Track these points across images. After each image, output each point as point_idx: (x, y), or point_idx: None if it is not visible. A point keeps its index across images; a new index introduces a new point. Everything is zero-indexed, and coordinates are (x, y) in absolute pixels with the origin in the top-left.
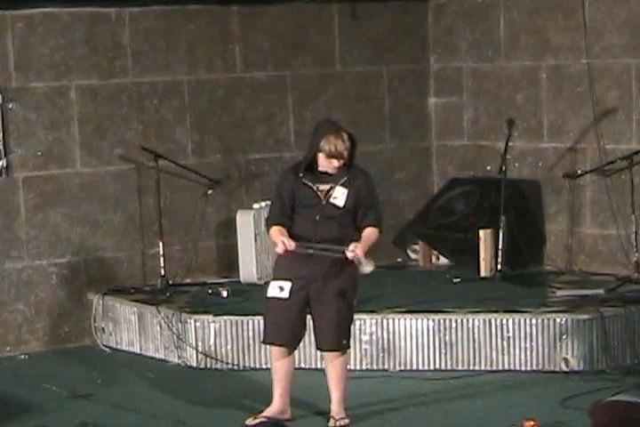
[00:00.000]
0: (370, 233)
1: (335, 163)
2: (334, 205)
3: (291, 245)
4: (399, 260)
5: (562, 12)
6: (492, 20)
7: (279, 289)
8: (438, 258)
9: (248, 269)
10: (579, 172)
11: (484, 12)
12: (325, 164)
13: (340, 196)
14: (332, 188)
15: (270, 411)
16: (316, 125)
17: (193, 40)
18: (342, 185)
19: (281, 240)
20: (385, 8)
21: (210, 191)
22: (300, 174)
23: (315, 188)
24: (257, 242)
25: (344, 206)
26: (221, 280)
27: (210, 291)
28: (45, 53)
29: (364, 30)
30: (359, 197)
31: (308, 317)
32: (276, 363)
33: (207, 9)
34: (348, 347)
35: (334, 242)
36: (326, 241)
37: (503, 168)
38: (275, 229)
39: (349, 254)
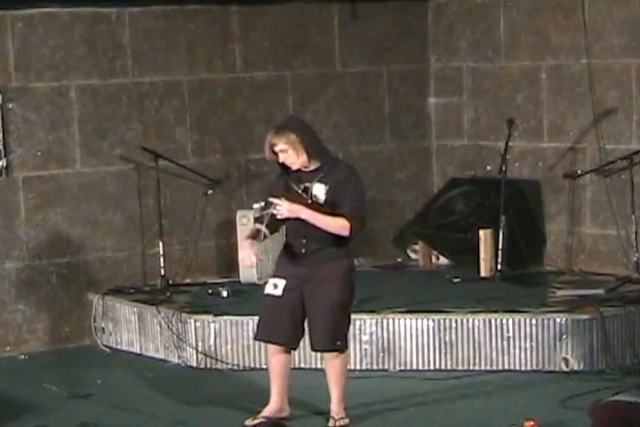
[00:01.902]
0: (334, 218)
1: (281, 158)
2: (317, 203)
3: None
4: (399, 260)
5: (562, 12)
6: (491, 20)
7: (273, 286)
8: (438, 258)
9: (248, 269)
10: (579, 172)
11: (484, 12)
12: (279, 160)
13: (319, 192)
14: (309, 186)
15: (268, 410)
16: None
17: (193, 40)
18: (320, 181)
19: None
20: (385, 8)
21: (210, 191)
22: (286, 176)
23: (298, 188)
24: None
25: (325, 202)
26: (221, 280)
27: (210, 291)
28: (45, 53)
29: (364, 30)
30: (337, 190)
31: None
32: (272, 360)
33: (207, 9)
34: (345, 348)
35: (323, 241)
36: (315, 240)
37: (503, 168)
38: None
39: (276, 209)
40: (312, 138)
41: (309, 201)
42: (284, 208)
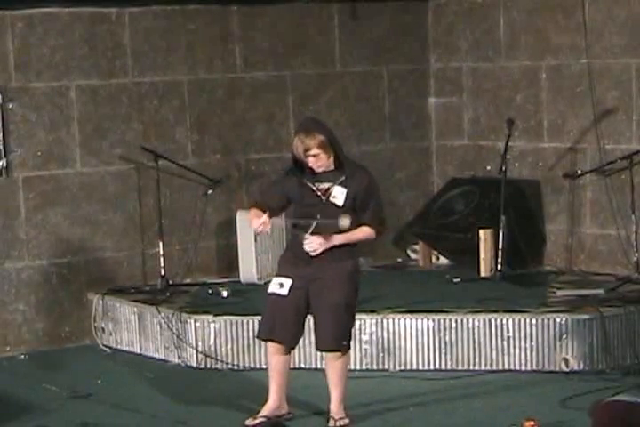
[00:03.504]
0: (359, 230)
1: (311, 161)
2: (334, 205)
3: (265, 222)
4: (399, 260)
5: (562, 12)
6: (492, 20)
7: (279, 286)
8: (438, 258)
9: (248, 269)
10: (579, 172)
11: (484, 12)
12: (308, 163)
13: (339, 195)
14: (330, 187)
15: (267, 409)
16: (299, 124)
17: (193, 40)
18: (341, 184)
19: (254, 219)
20: (385, 8)
21: (210, 191)
22: (300, 174)
23: (314, 187)
24: (257, 242)
25: (343, 206)
26: (221, 280)
27: (210, 291)
28: (45, 53)
29: (364, 30)
30: (358, 197)
31: (309, 316)
32: (271, 359)
33: (207, 9)
34: (349, 348)
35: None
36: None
37: (503, 168)
38: (252, 210)
39: (308, 246)
40: (336, 139)
41: (324, 201)
42: (315, 244)
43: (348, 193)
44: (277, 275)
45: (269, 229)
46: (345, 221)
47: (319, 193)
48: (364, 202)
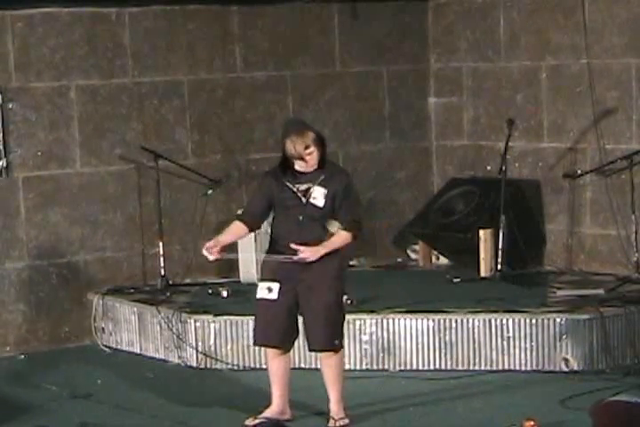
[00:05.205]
0: (337, 237)
1: (301, 163)
2: (314, 206)
3: (212, 251)
4: (399, 260)
5: (562, 12)
6: (492, 20)
7: (267, 290)
8: (438, 258)
9: (248, 269)
10: (579, 172)
11: (484, 12)
12: (295, 163)
13: (319, 196)
14: (309, 187)
15: (270, 412)
16: (284, 125)
17: (193, 40)
18: (320, 185)
19: (207, 245)
20: (385, 8)
21: (210, 191)
22: (280, 175)
23: (295, 188)
24: (257, 242)
25: (323, 206)
26: (221, 280)
27: (210, 291)
28: (45, 53)
29: (363, 30)
30: (337, 197)
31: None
32: (271, 364)
33: (207, 9)
34: (341, 347)
35: (318, 243)
36: (310, 242)
37: (503, 168)
38: (231, 225)
39: (297, 257)
40: (323, 137)
41: (304, 202)
42: (306, 255)
43: (327, 193)
44: (262, 279)
45: (220, 254)
46: (333, 226)
47: (299, 194)
48: (343, 203)
